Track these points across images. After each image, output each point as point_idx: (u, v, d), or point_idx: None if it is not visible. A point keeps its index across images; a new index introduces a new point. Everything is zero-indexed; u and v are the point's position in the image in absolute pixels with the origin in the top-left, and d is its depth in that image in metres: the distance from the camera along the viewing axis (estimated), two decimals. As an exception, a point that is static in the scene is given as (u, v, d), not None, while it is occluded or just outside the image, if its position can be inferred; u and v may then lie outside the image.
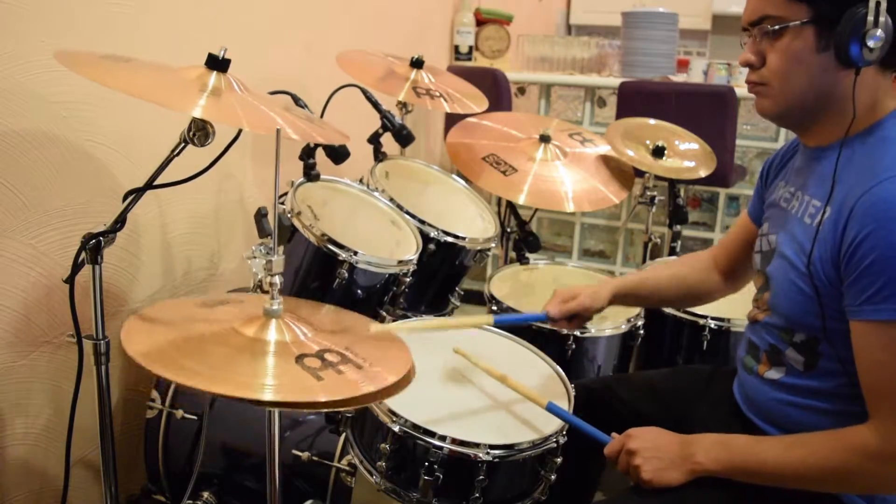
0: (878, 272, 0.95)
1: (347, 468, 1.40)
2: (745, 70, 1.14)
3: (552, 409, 1.24)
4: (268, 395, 0.89)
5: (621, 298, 1.43)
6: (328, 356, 0.99)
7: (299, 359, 0.97)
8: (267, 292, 1.04)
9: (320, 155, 1.65)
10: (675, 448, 1.12)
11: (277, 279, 1.04)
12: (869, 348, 0.98)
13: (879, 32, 0.97)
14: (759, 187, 1.33)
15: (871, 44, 0.98)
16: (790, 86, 1.07)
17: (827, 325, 1.05)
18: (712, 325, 1.71)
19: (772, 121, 1.16)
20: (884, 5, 0.97)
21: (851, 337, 1.01)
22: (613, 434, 1.21)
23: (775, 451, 1.05)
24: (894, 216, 0.95)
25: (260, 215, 1.14)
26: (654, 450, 1.12)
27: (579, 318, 1.42)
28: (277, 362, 0.97)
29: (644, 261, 2.26)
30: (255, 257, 1.04)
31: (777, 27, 1.05)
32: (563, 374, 1.39)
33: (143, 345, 0.95)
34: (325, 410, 1.43)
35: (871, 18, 0.97)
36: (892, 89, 1.06)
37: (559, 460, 1.24)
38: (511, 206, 2.09)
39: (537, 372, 1.41)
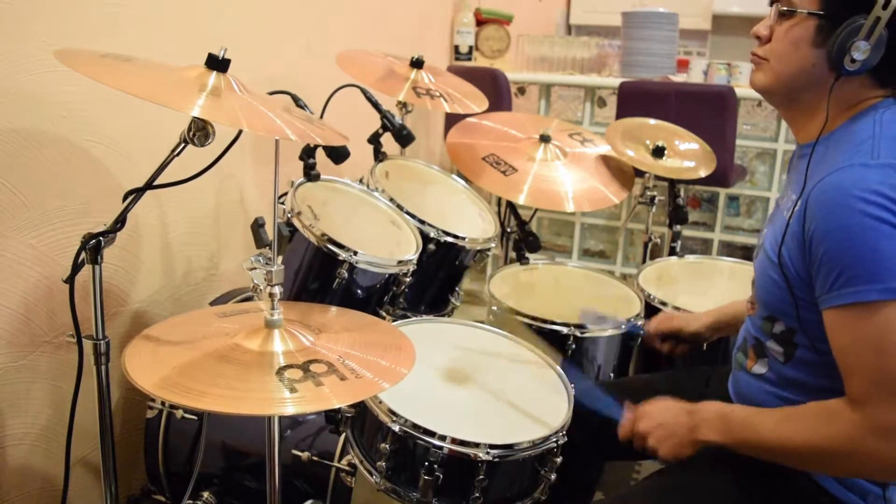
0: (834, 259, 0.97)
1: (347, 468, 1.40)
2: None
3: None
4: (231, 409, 0.91)
5: (722, 327, 1.50)
6: (314, 367, 0.99)
7: (280, 371, 0.98)
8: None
9: (320, 155, 1.65)
10: (681, 422, 1.16)
11: (277, 289, 1.04)
12: (837, 333, 1.00)
13: (865, 46, 1.00)
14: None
15: (855, 56, 1.00)
16: (781, 67, 1.11)
17: (801, 315, 1.07)
18: (712, 325, 1.71)
19: (760, 94, 1.19)
20: (884, 20, 0.98)
21: (825, 328, 1.02)
22: (627, 404, 1.26)
23: (769, 424, 1.07)
24: (840, 202, 0.97)
25: (257, 225, 1.14)
26: (663, 428, 1.17)
27: (676, 340, 1.53)
28: (258, 375, 0.97)
29: (644, 261, 2.26)
30: (255, 268, 1.04)
31: (786, 9, 1.08)
32: (563, 374, 1.39)
33: (147, 370, 0.97)
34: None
35: (864, 31, 0.99)
36: (877, 93, 1.07)
37: (559, 460, 1.24)
38: (511, 206, 2.09)
39: (538, 372, 1.41)
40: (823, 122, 1.07)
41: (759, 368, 1.18)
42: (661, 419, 1.17)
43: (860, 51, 1.00)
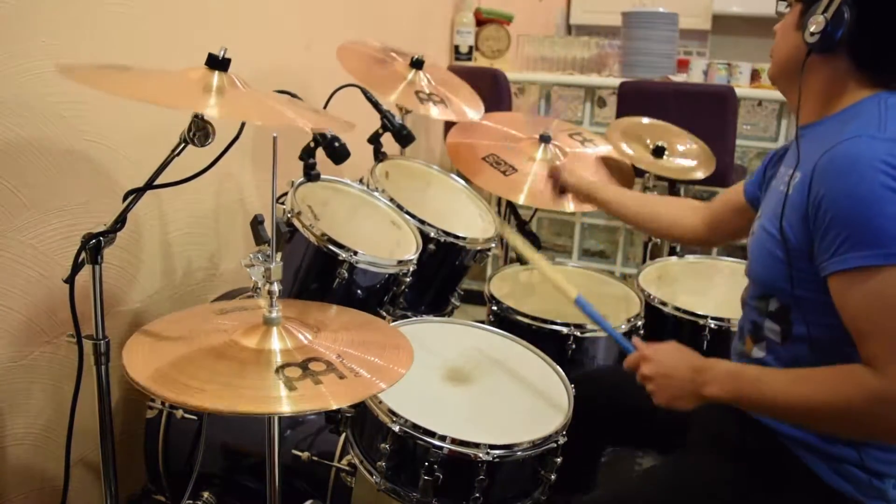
0: (840, 225, 0.99)
1: (347, 468, 1.40)
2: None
3: (580, 302, 1.33)
4: (229, 406, 0.90)
5: (592, 198, 1.77)
6: (313, 365, 0.99)
7: (279, 369, 0.97)
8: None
9: (320, 155, 1.64)
10: (687, 377, 1.14)
11: (276, 287, 1.04)
12: (845, 298, 1.01)
13: (819, 19, 1.05)
14: (761, 169, 1.36)
15: (811, 29, 1.07)
16: (778, 55, 1.19)
17: (796, 293, 1.08)
18: (712, 325, 1.71)
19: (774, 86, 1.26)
20: None
21: (832, 295, 1.02)
22: (636, 341, 1.25)
23: (780, 385, 1.06)
24: (849, 170, 0.99)
25: (256, 223, 1.14)
26: (666, 378, 1.16)
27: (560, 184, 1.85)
28: (256, 372, 0.97)
29: (644, 260, 2.26)
30: (253, 265, 1.04)
31: (784, 2, 1.17)
32: (563, 374, 1.39)
33: (143, 365, 0.96)
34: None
35: (822, 6, 1.05)
36: (866, 82, 1.09)
37: (559, 460, 1.24)
38: (511, 206, 2.09)
39: (537, 372, 1.41)
40: (818, 103, 1.12)
41: (758, 352, 1.19)
42: (667, 369, 1.16)
43: (816, 24, 1.06)
